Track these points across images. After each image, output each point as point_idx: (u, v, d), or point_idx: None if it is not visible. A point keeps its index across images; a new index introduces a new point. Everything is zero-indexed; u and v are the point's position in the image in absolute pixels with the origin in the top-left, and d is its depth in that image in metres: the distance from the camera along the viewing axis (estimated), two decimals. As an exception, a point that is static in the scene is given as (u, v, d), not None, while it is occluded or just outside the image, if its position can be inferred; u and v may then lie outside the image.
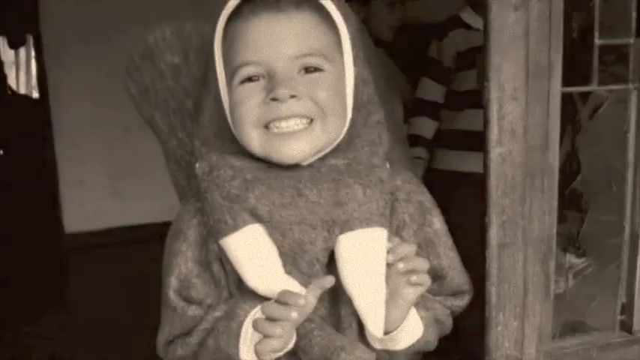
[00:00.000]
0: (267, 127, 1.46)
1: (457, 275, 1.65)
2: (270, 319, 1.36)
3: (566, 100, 1.59)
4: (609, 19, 1.59)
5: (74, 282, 6.19)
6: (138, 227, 6.71)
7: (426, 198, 1.64)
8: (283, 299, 1.36)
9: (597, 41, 1.59)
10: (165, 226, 1.63)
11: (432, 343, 1.62)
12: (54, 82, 6.65)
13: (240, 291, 1.51)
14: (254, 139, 1.47)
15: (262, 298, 1.43)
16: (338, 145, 1.52)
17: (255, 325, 1.37)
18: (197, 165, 1.52)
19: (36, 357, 4.61)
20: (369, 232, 1.45)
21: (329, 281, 1.39)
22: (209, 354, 1.53)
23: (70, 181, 6.90)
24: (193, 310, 1.54)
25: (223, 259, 1.50)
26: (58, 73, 6.58)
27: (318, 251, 1.46)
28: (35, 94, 7.85)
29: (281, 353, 1.43)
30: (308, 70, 1.46)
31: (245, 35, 1.45)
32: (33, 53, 7.43)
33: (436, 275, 1.61)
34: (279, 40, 1.44)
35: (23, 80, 9.24)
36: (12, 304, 5.23)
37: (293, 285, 1.43)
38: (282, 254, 1.45)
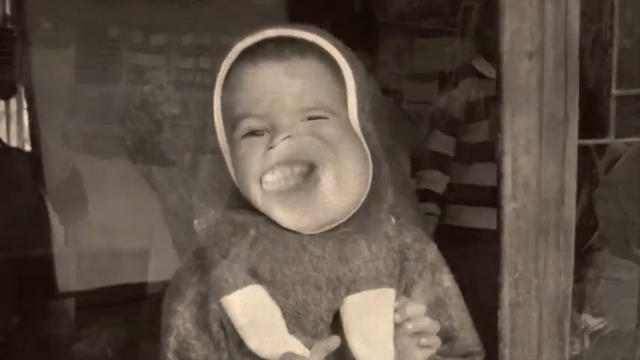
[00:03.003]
0: (260, 182, 1.45)
1: (468, 336, 1.65)
2: None
3: (583, 152, 1.59)
4: (627, 69, 1.59)
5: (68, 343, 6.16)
6: (134, 286, 6.68)
7: (437, 257, 1.63)
8: None
9: (614, 91, 1.59)
10: (164, 284, 1.63)
11: None
12: (46, 135, 6.64)
13: (241, 353, 1.50)
14: (256, 195, 1.47)
15: (264, 362, 1.43)
16: None
17: None
18: (195, 222, 1.52)
19: None
20: (376, 293, 1.45)
21: (334, 343, 1.39)
22: None
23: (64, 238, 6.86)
24: None
25: (224, 320, 1.49)
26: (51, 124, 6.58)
27: (323, 312, 1.45)
28: (27, 147, 7.85)
29: (285, 418, 1.41)
30: (312, 117, 1.46)
31: (246, 85, 1.45)
32: (25, 104, 7.44)
33: (446, 336, 1.59)
34: (283, 93, 1.43)
35: (14, 132, 9.24)
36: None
37: (296, 347, 1.42)
38: (285, 314, 1.44)
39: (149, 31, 6.34)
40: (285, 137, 1.41)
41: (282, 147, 1.41)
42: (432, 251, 1.63)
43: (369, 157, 1.51)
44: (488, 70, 3.54)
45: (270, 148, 1.41)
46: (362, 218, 1.51)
